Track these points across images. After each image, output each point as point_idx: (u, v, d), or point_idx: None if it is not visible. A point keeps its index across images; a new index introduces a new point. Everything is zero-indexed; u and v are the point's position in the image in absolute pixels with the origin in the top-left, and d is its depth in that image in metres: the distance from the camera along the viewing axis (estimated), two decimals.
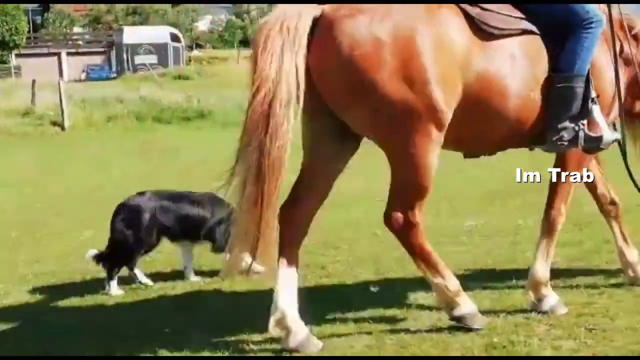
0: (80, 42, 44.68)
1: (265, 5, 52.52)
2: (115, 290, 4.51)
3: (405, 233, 3.36)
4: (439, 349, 3.25)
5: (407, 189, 3.33)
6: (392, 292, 4.13)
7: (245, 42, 48.28)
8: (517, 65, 3.38)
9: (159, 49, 38.33)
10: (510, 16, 3.42)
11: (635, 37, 3.81)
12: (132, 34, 39.02)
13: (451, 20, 3.29)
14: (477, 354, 3.17)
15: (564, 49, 3.45)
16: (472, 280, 4.21)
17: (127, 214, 4.65)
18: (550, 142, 3.48)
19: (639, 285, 3.91)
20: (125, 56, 38.22)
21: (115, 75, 37.82)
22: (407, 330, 3.48)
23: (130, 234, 4.59)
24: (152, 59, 37.66)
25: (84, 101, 21.79)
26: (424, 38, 3.18)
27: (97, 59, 42.36)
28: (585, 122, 3.47)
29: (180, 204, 4.75)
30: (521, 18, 3.45)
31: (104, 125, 19.82)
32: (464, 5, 3.34)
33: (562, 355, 3.12)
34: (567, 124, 3.44)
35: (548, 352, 3.14)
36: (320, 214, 3.53)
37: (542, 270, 3.69)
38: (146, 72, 33.67)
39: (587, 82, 3.46)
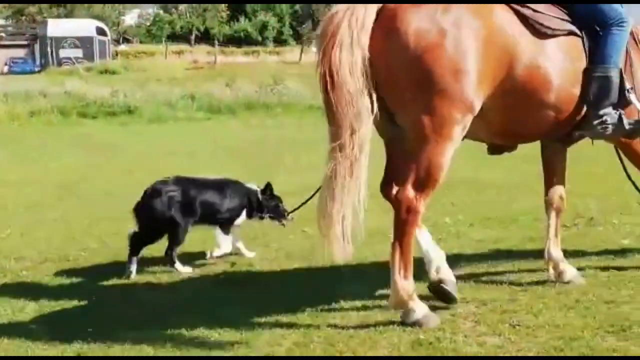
0: (2, 35, 43.48)
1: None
2: (183, 269, 4.70)
3: (404, 215, 3.50)
4: (366, 347, 3.26)
5: (427, 174, 3.48)
6: (321, 289, 4.12)
7: (173, 37, 47.78)
8: (562, 61, 3.70)
9: (85, 43, 37.64)
10: (558, 18, 3.76)
11: None
12: (56, 27, 38.20)
13: (510, 20, 3.58)
14: (403, 351, 3.19)
15: (600, 44, 3.79)
16: None
17: (157, 200, 4.76)
18: (594, 128, 3.79)
19: (562, 281, 4.01)
20: (49, 49, 37.41)
21: (39, 68, 36.97)
22: (335, 327, 3.48)
23: (161, 219, 4.73)
24: (78, 52, 36.98)
25: (6, 95, 21.21)
26: (480, 38, 3.44)
27: (21, 52, 41.33)
28: (623, 110, 3.80)
29: (203, 189, 4.91)
30: (566, 20, 3.78)
31: (27, 120, 19.33)
32: (515, 6, 3.63)
33: (487, 351, 3.16)
34: (609, 110, 3.76)
35: (474, 349, 3.17)
36: None
37: (556, 249, 4.05)
38: (71, 66, 32.99)
39: (621, 74, 3.80)
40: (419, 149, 3.46)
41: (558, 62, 3.68)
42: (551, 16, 3.73)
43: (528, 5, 3.65)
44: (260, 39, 50.79)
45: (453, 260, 4.65)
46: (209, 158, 10.99)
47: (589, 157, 8.80)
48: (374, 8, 3.49)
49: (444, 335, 3.31)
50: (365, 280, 4.22)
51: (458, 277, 4.15)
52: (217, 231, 4.94)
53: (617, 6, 3.87)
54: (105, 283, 4.57)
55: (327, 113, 3.49)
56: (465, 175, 7.23)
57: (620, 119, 3.79)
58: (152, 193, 4.82)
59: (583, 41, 3.79)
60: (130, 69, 31.96)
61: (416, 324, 3.44)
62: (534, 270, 4.25)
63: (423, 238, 3.75)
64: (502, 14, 3.58)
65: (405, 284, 3.49)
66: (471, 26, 3.44)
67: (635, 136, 3.99)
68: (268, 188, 5.11)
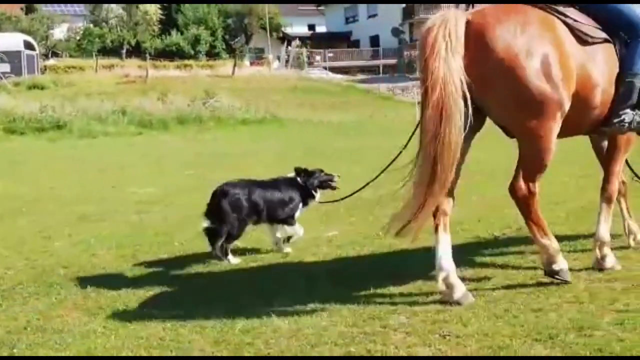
0: None
1: (124, 14, 51.53)
2: (234, 260, 5.12)
3: (526, 200, 4.08)
4: None
5: (534, 165, 4.06)
6: (247, 305, 4.07)
7: (104, 51, 47.11)
8: (603, 67, 4.22)
9: (12, 57, 36.78)
10: (594, 27, 4.23)
11: None
12: None
13: (564, 30, 4.10)
14: None
15: (630, 52, 4.30)
16: (328, 290, 4.22)
17: (228, 198, 5.19)
18: (614, 125, 4.32)
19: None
20: None
21: None
22: (267, 342, 3.44)
23: (233, 216, 5.15)
24: (5, 67, 36.10)
25: None
26: (555, 47, 3.99)
27: None
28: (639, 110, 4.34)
29: (266, 189, 5.38)
30: (599, 29, 4.25)
31: None
32: (560, 16, 4.13)
33: None
34: (628, 110, 4.29)
35: None
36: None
37: (604, 232, 4.48)
38: None
39: None
40: (530, 146, 4.04)
41: (601, 67, 4.19)
42: (589, 25, 4.20)
43: (566, 13, 4.15)
44: (192, 52, 50.47)
45: (382, 268, 4.68)
46: (139, 172, 10.83)
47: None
48: (462, 20, 3.98)
49: (375, 348, 3.30)
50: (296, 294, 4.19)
51: (392, 285, 4.18)
52: (282, 226, 5.35)
53: None
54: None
55: (425, 114, 3.89)
56: None
57: (633, 120, 4.32)
58: (220, 194, 5.23)
59: (615, 48, 4.27)
60: (59, 83, 31.37)
61: (559, 272, 4.06)
62: (464, 278, 4.28)
63: (442, 243, 4.05)
64: (560, 26, 4.09)
65: (548, 242, 4.10)
66: (548, 40, 3.98)
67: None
68: (298, 172, 5.54)
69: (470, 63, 3.87)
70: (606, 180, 4.66)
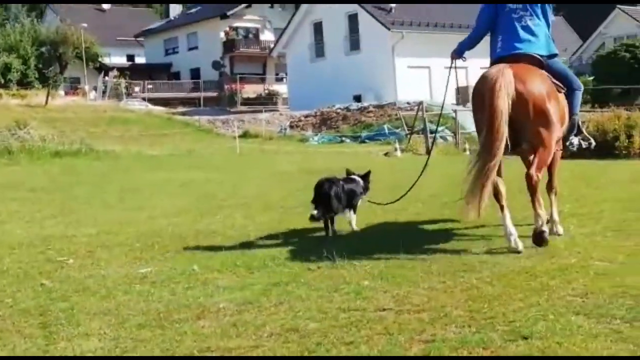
0: None
1: None
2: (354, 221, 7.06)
3: (535, 184, 5.95)
4: None
5: (543, 162, 6.09)
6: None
7: None
8: (564, 107, 6.50)
9: None
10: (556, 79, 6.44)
11: None
12: None
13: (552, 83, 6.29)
14: None
15: (573, 99, 6.66)
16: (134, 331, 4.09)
17: (332, 188, 6.70)
18: (567, 147, 6.76)
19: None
20: None
21: None
22: None
23: (336, 201, 6.70)
24: None
25: None
26: (555, 94, 6.25)
27: None
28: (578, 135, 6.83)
29: (349, 184, 6.98)
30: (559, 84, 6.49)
31: None
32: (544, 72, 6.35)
33: None
34: (572, 137, 6.73)
35: None
36: None
37: (556, 214, 6.69)
38: None
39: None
40: (543, 150, 6.02)
41: (564, 108, 6.47)
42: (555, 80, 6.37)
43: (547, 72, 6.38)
44: (2, 81, 48.13)
45: (193, 303, 4.58)
46: None
47: None
48: (510, 72, 5.93)
49: None
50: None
51: (205, 321, 4.08)
52: (350, 212, 6.98)
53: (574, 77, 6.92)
54: None
55: (484, 131, 5.90)
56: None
57: (578, 141, 6.79)
58: (327, 187, 6.70)
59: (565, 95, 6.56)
60: None
61: (543, 234, 5.94)
62: (277, 315, 4.27)
63: (508, 217, 6.01)
64: (551, 82, 6.29)
65: (542, 212, 5.96)
66: (553, 90, 6.20)
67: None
68: (368, 175, 7.31)
69: (517, 101, 5.89)
70: (550, 180, 6.80)
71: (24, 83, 49.21)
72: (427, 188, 10.24)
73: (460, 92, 39.63)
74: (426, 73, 40.33)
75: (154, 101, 51.62)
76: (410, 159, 17.82)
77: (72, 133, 25.51)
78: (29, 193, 11.77)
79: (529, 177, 5.91)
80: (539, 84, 5.99)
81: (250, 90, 55.52)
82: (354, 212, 7.03)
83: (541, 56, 6.36)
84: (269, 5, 61.52)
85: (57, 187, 12.90)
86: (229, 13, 58.79)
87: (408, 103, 34.13)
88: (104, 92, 50.35)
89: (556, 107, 6.07)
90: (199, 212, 8.76)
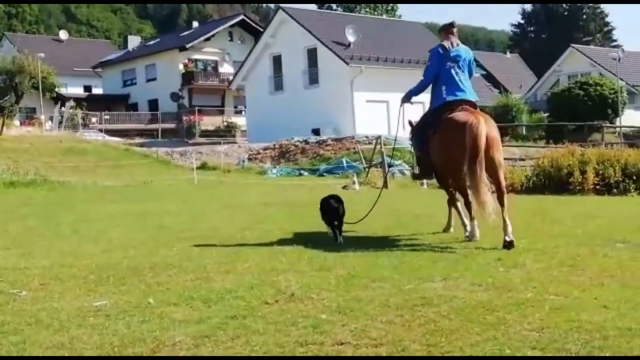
0: None
1: None
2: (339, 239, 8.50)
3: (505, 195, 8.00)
4: None
5: (503, 177, 8.27)
6: None
7: None
8: None
9: None
10: None
11: None
12: None
13: None
14: None
15: None
16: None
17: (337, 202, 8.54)
18: None
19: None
20: None
21: None
22: None
23: (334, 211, 8.50)
24: None
25: None
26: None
27: None
28: None
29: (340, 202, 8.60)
30: None
31: None
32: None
33: None
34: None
35: None
36: None
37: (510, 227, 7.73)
38: None
39: None
40: (502, 168, 8.18)
41: None
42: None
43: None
44: None
45: (148, 337, 4.51)
46: None
47: (294, 234, 9.16)
48: (482, 119, 7.89)
49: None
50: None
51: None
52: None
53: None
54: None
55: (466, 162, 7.73)
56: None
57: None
58: (338, 202, 8.53)
59: None
60: None
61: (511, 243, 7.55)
62: (235, 348, 4.22)
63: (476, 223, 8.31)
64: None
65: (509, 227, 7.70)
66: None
67: None
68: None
69: (488, 141, 7.82)
70: (499, 196, 7.92)
71: None
72: (383, 219, 10.30)
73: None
74: (384, 107, 40.69)
75: (112, 132, 51.26)
76: (368, 192, 17.88)
77: (27, 163, 25.21)
78: None
79: (504, 194, 7.98)
80: (496, 130, 8.10)
81: (209, 122, 55.44)
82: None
83: (474, 101, 8.45)
84: (229, 38, 61.76)
85: (10, 218, 12.69)
86: (187, 45, 58.88)
87: (366, 137, 34.40)
88: (60, 123, 49.83)
89: (500, 144, 8.20)
90: (156, 245, 8.67)
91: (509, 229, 7.64)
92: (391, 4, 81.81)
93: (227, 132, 52.87)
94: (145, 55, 63.38)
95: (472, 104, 8.31)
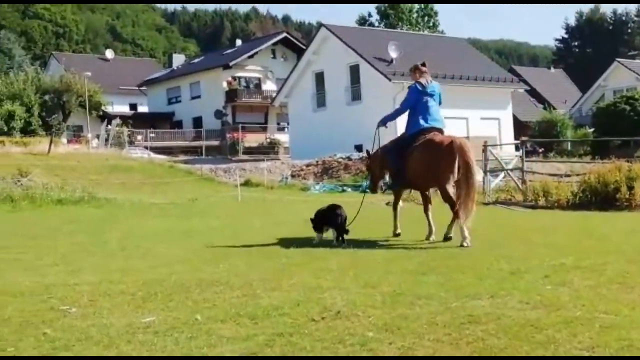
0: None
1: None
2: (319, 239, 10.20)
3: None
4: None
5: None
6: None
7: None
8: None
9: None
10: None
11: None
12: None
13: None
14: None
15: None
16: None
17: (338, 210, 9.96)
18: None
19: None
20: None
21: None
22: None
23: (337, 217, 9.91)
24: None
25: None
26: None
27: None
28: None
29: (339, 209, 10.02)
30: None
31: None
32: None
33: None
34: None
35: None
36: None
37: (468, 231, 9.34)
38: None
39: None
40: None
41: None
42: None
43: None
44: (6, 128, 48.34)
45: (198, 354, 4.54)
46: None
47: (339, 251, 9.17)
48: (467, 142, 9.67)
49: None
50: None
51: None
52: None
53: None
54: None
55: (463, 175, 9.44)
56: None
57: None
58: (337, 209, 10.00)
59: None
60: None
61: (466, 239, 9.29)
62: None
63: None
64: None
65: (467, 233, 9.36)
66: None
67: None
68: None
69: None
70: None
71: (27, 131, 49.39)
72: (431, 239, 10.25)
73: None
74: None
75: (156, 150, 51.86)
76: (411, 208, 17.80)
77: (74, 181, 25.58)
78: (31, 241, 11.75)
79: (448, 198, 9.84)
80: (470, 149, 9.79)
81: (252, 139, 55.80)
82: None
83: (442, 128, 10.26)
84: (271, 56, 62.18)
85: (59, 234, 12.89)
86: (231, 63, 59.44)
87: None
88: (106, 140, 50.58)
89: None
90: (202, 261, 8.75)
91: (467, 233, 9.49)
92: (433, 21, 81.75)
93: (270, 149, 53.15)
94: (189, 73, 64.14)
95: (441, 130, 10.20)
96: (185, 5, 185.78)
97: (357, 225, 10.53)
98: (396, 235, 10.56)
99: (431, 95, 10.24)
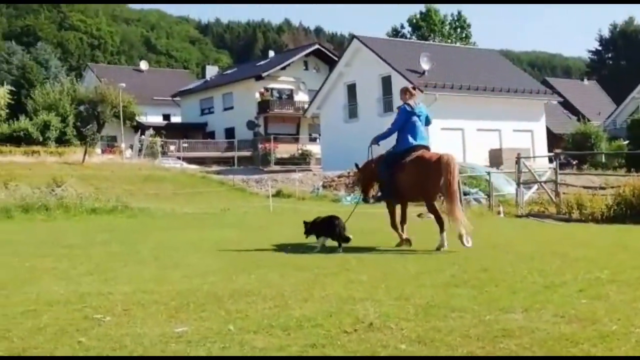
0: None
1: None
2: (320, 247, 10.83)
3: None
4: None
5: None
6: None
7: None
8: None
9: None
10: None
11: None
12: None
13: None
14: None
15: None
16: None
17: (336, 220, 10.87)
18: None
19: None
20: None
21: None
22: None
23: (334, 227, 10.71)
24: None
25: None
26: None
27: None
28: None
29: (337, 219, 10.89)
30: None
31: None
32: None
33: None
34: None
35: None
36: None
37: (465, 235, 10.38)
38: None
39: None
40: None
41: None
42: None
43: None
44: (41, 138, 49.00)
45: None
46: None
47: (370, 262, 9.15)
48: (454, 158, 10.65)
49: None
50: None
51: None
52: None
53: None
54: None
55: (449, 186, 10.34)
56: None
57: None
58: (335, 219, 10.85)
59: None
60: None
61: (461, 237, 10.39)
62: None
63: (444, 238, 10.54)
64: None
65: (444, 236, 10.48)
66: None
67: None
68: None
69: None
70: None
71: (62, 141, 50.04)
72: (463, 251, 10.20)
73: (491, 154, 39.64)
74: (459, 135, 40.46)
75: (189, 160, 52.22)
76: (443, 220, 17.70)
77: (108, 190, 25.85)
78: (65, 249, 11.87)
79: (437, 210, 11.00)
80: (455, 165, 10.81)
81: (284, 150, 55.96)
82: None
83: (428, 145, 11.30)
84: (304, 67, 62.37)
85: (93, 243, 13.01)
86: (263, 74, 59.72)
87: None
88: (140, 151, 51.03)
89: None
90: (234, 271, 8.77)
91: (467, 236, 10.48)
92: (465, 32, 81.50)
93: (301, 160, 53.25)
94: (222, 84, 64.56)
95: (428, 148, 11.30)
96: (218, 16, 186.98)
97: (387, 237, 10.49)
98: (404, 242, 11.26)
99: (418, 116, 11.26)
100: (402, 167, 11.12)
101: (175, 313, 6.36)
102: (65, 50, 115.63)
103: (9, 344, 5.30)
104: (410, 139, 11.17)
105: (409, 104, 11.38)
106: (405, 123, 11.26)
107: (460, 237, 10.34)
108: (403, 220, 11.57)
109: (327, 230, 10.81)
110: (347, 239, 10.67)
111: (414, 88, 11.78)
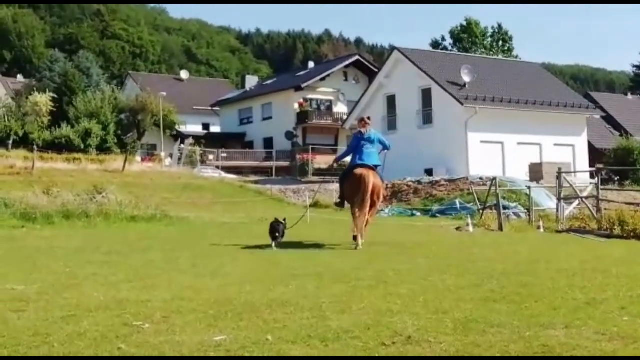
0: None
1: (13, 104, 50.30)
2: (274, 247, 13.43)
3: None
4: None
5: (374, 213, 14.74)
6: None
7: None
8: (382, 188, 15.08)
9: None
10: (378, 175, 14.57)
11: None
12: None
13: None
14: None
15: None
16: None
17: (282, 225, 13.93)
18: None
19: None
20: None
21: None
22: None
23: (281, 230, 13.87)
24: None
25: None
26: (380, 182, 14.24)
27: None
28: None
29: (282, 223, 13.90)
30: None
31: None
32: None
33: None
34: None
35: None
36: None
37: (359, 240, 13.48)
38: None
39: None
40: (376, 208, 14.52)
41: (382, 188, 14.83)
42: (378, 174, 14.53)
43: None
44: (82, 146, 49.65)
45: None
46: (16, 267, 10.36)
47: (408, 275, 9.10)
48: (372, 173, 13.68)
49: None
50: None
51: None
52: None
53: None
54: None
55: (360, 196, 13.47)
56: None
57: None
58: (278, 223, 13.87)
59: None
60: None
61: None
62: None
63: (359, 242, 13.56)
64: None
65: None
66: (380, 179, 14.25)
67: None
68: (285, 220, 14.33)
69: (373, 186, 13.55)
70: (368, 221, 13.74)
71: (103, 148, 50.65)
72: (502, 266, 10.10)
73: (531, 169, 39.25)
74: (499, 148, 40.18)
75: (227, 169, 52.51)
76: (482, 234, 17.56)
77: (148, 198, 26.07)
78: (105, 256, 12.00)
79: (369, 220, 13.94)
80: (379, 178, 13.85)
81: (322, 161, 55.98)
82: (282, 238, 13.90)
83: (375, 165, 13.91)
84: (343, 78, 62.45)
85: (132, 251, 13.14)
86: (303, 85, 59.93)
87: (480, 178, 33.89)
88: (179, 159, 51.46)
89: (382, 188, 14.29)
90: (271, 281, 8.79)
91: (361, 240, 13.49)
92: (508, 45, 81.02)
93: (339, 171, 53.16)
94: (262, 94, 64.90)
95: (370, 167, 13.86)
96: (259, 26, 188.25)
97: (427, 251, 10.42)
98: (354, 238, 13.82)
99: (369, 141, 14.15)
100: (347, 179, 14.27)
101: (213, 322, 6.39)
102: (107, 59, 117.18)
103: (49, 349, 5.37)
104: (357, 159, 14.12)
105: (360, 132, 14.42)
106: (356, 147, 14.25)
107: (354, 237, 13.66)
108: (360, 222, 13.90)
109: (277, 229, 13.89)
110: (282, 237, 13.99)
111: (368, 118, 14.94)
